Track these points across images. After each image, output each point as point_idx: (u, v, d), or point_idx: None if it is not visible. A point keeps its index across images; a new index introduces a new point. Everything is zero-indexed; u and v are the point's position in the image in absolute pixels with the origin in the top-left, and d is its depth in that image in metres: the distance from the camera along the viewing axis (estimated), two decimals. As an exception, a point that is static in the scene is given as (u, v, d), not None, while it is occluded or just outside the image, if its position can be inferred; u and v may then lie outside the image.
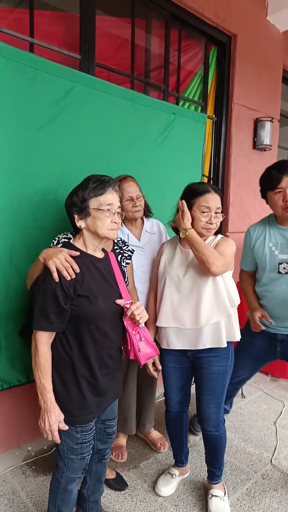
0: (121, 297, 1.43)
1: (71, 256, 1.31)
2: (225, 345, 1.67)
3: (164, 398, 1.92)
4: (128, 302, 1.42)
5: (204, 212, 1.65)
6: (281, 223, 1.89)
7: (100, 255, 1.45)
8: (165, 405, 1.91)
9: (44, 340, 1.28)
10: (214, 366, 1.72)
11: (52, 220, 1.94)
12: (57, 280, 1.25)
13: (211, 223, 1.66)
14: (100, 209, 1.34)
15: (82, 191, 1.35)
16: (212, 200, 1.65)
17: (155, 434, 2.31)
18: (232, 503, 1.83)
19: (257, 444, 2.31)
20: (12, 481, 1.95)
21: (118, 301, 1.40)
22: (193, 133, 2.65)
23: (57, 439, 1.29)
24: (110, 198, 1.36)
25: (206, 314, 1.64)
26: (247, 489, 1.94)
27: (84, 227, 1.38)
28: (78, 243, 1.41)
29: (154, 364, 1.79)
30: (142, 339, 1.45)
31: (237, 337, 1.73)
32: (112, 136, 2.18)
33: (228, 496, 1.86)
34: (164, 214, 2.17)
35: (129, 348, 1.45)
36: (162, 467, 2.09)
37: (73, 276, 1.28)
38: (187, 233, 1.64)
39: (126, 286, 1.53)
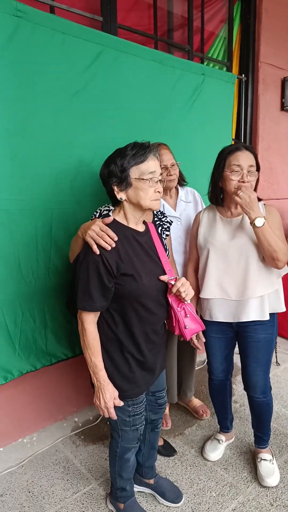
0: (164, 273, 1.38)
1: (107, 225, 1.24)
2: (267, 318, 1.64)
3: (204, 365, 1.92)
4: (172, 278, 1.37)
5: (235, 171, 1.55)
6: None
7: (141, 228, 1.38)
8: (208, 373, 1.92)
9: (90, 319, 1.26)
10: (260, 334, 1.70)
11: (90, 193, 1.90)
12: (97, 252, 1.19)
13: (243, 181, 1.55)
14: (143, 179, 1.24)
15: (121, 159, 1.25)
16: (243, 157, 1.55)
17: (196, 401, 2.34)
18: (280, 466, 1.86)
19: (298, 409, 2.32)
20: (64, 450, 2.01)
21: (162, 278, 1.35)
22: (222, 94, 2.53)
23: (114, 416, 1.30)
24: (152, 165, 1.26)
25: (253, 285, 1.61)
26: (294, 452, 1.97)
27: (125, 199, 1.29)
28: (119, 217, 1.33)
29: (197, 336, 1.78)
30: (188, 315, 1.42)
31: (283, 308, 1.70)
32: (141, 103, 2.09)
33: (275, 460, 1.88)
34: (196, 182, 2.11)
35: (174, 325, 1.42)
36: (206, 433, 2.13)
37: (113, 245, 1.21)
38: (264, 222, 1.49)
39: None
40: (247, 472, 1.84)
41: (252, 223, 1.51)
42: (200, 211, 1.83)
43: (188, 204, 2.08)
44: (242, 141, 3.16)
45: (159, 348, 1.45)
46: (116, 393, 1.30)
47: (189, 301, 1.41)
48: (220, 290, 1.66)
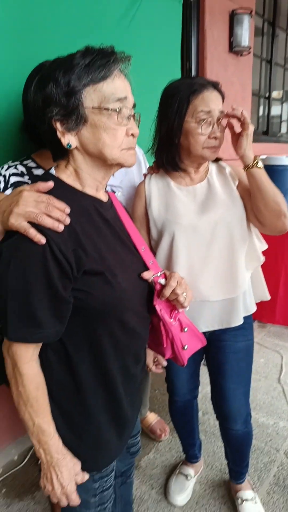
0: (145, 267, 0.87)
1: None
2: (254, 310, 1.27)
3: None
4: (159, 273, 0.86)
5: (203, 119, 1.04)
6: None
7: (104, 197, 0.83)
8: (169, 393, 1.44)
9: (29, 356, 0.71)
10: (240, 342, 1.25)
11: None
12: (43, 240, 0.64)
13: (215, 138, 1.07)
14: (107, 109, 0.69)
15: (66, 73, 0.67)
16: (213, 100, 1.06)
17: (152, 417, 1.87)
18: (262, 500, 1.48)
19: (268, 411, 1.96)
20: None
21: (145, 275, 0.84)
22: (167, 16, 1.88)
23: (76, 502, 0.77)
24: (121, 86, 0.72)
25: (243, 273, 1.15)
26: (274, 476, 1.59)
27: (76, 146, 0.72)
28: (66, 177, 0.76)
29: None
30: (186, 328, 0.93)
31: (267, 296, 1.31)
32: (58, 18, 1.38)
33: (257, 493, 1.49)
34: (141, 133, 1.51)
35: (165, 345, 0.92)
36: (168, 462, 1.68)
37: (67, 222, 0.68)
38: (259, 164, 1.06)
39: None
40: (225, 516, 1.43)
41: (252, 165, 1.06)
42: (142, 181, 1.23)
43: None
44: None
45: (139, 385, 0.94)
46: (78, 466, 0.79)
47: (187, 308, 0.91)
48: (197, 289, 1.13)
